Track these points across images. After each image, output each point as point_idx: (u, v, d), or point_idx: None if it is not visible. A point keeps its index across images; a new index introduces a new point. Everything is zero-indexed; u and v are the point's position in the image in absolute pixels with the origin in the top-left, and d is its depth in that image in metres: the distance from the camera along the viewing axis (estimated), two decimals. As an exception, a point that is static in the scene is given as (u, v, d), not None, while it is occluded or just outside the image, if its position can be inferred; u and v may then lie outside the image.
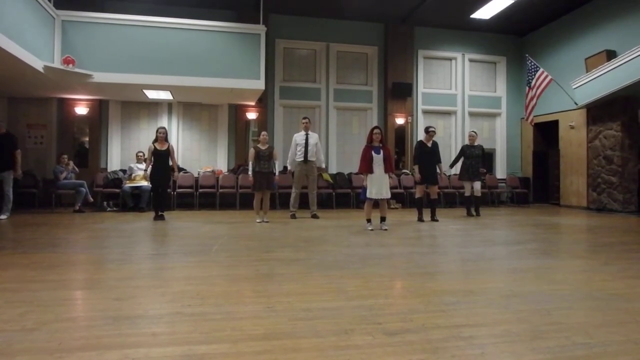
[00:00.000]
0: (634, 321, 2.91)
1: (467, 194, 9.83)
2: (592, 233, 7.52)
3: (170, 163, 8.52)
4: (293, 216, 9.02)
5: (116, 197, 10.45)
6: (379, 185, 7.19)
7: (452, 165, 9.96)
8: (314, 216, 9.05)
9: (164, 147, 8.42)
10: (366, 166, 7.21)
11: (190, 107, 12.20)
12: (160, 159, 8.36)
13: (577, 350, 2.42)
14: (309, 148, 8.97)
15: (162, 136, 8.42)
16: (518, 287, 3.72)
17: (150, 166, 8.40)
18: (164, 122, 11.78)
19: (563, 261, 4.99)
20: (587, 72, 11.03)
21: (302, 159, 8.95)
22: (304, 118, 9.31)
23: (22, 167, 8.96)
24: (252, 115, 12.05)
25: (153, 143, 8.42)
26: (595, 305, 3.24)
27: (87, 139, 11.54)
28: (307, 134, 9.03)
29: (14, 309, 3.01)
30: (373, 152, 7.22)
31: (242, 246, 5.78)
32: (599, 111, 11.10)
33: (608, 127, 10.86)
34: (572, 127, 11.99)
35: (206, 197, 11.02)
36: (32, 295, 3.35)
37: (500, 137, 14.01)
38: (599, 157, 11.13)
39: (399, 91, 12.71)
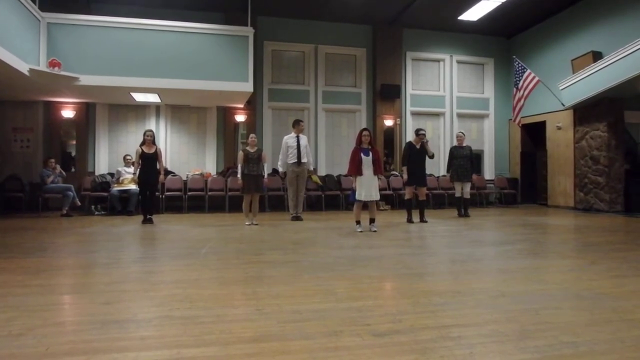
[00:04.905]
0: (621, 320, 2.94)
1: (458, 195, 9.86)
2: (580, 233, 7.60)
3: (158, 166, 8.45)
4: (298, 218, 8.97)
5: (104, 200, 10.37)
6: (368, 187, 7.20)
7: (448, 170, 10.00)
8: (297, 218, 9.02)
9: (152, 150, 8.35)
10: (355, 168, 7.21)
11: (179, 110, 12.15)
12: (148, 162, 8.29)
13: (564, 349, 2.44)
14: (301, 150, 8.96)
15: (149, 139, 8.35)
16: (506, 288, 3.75)
17: (138, 169, 8.33)
18: (152, 125, 11.69)
19: (551, 261, 5.03)
20: (573, 73, 11.14)
21: (295, 160, 8.92)
22: (302, 121, 9.30)
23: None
24: (240, 117, 12.02)
25: (140, 146, 8.34)
26: (583, 305, 3.28)
27: (74, 142, 11.43)
28: (297, 136, 9.02)
29: (0, 314, 2.97)
30: (362, 154, 7.22)
31: (231, 249, 5.76)
32: (585, 112, 11.22)
33: (594, 127, 10.98)
34: (559, 128, 12.10)
35: (195, 200, 10.96)
36: (19, 300, 3.31)
37: (488, 138, 14.11)
38: (585, 157, 11.24)
39: (387, 93, 12.75)
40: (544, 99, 12.09)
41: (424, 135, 8.95)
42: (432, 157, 8.95)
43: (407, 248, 5.93)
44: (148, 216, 8.44)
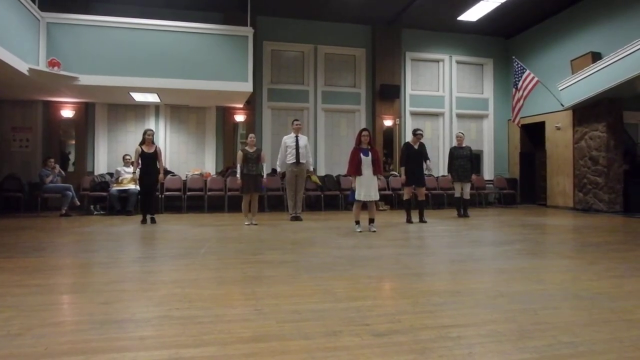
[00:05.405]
0: (619, 320, 2.94)
1: (457, 195, 9.87)
2: (578, 233, 7.59)
3: (158, 165, 8.45)
4: (297, 218, 8.96)
5: (103, 200, 10.36)
6: (367, 187, 7.19)
7: (449, 171, 10.02)
8: (297, 218, 9.02)
9: (151, 150, 8.35)
10: (355, 168, 7.20)
11: (178, 110, 12.14)
12: (148, 162, 8.29)
13: (563, 349, 2.44)
14: (300, 150, 8.95)
15: (149, 138, 8.35)
16: (505, 288, 3.75)
17: (138, 169, 8.33)
18: (151, 124, 11.68)
19: (550, 261, 5.03)
20: (572, 73, 11.15)
21: (294, 160, 8.90)
22: (296, 120, 9.31)
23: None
24: (240, 117, 12.02)
25: (140, 145, 8.35)
26: (582, 305, 3.28)
27: (73, 142, 11.42)
28: (297, 136, 9.02)
29: (-2, 314, 2.98)
30: (361, 154, 7.22)
31: (230, 249, 5.76)
32: (584, 112, 11.23)
33: (593, 128, 10.99)
34: (558, 128, 12.11)
35: (194, 200, 10.95)
36: (17, 300, 3.31)
37: (487, 139, 14.11)
38: (584, 157, 11.24)
39: (386, 93, 12.75)
40: (543, 99, 12.10)
41: (422, 135, 8.97)
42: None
43: (406, 248, 5.93)
44: (147, 216, 8.44)
